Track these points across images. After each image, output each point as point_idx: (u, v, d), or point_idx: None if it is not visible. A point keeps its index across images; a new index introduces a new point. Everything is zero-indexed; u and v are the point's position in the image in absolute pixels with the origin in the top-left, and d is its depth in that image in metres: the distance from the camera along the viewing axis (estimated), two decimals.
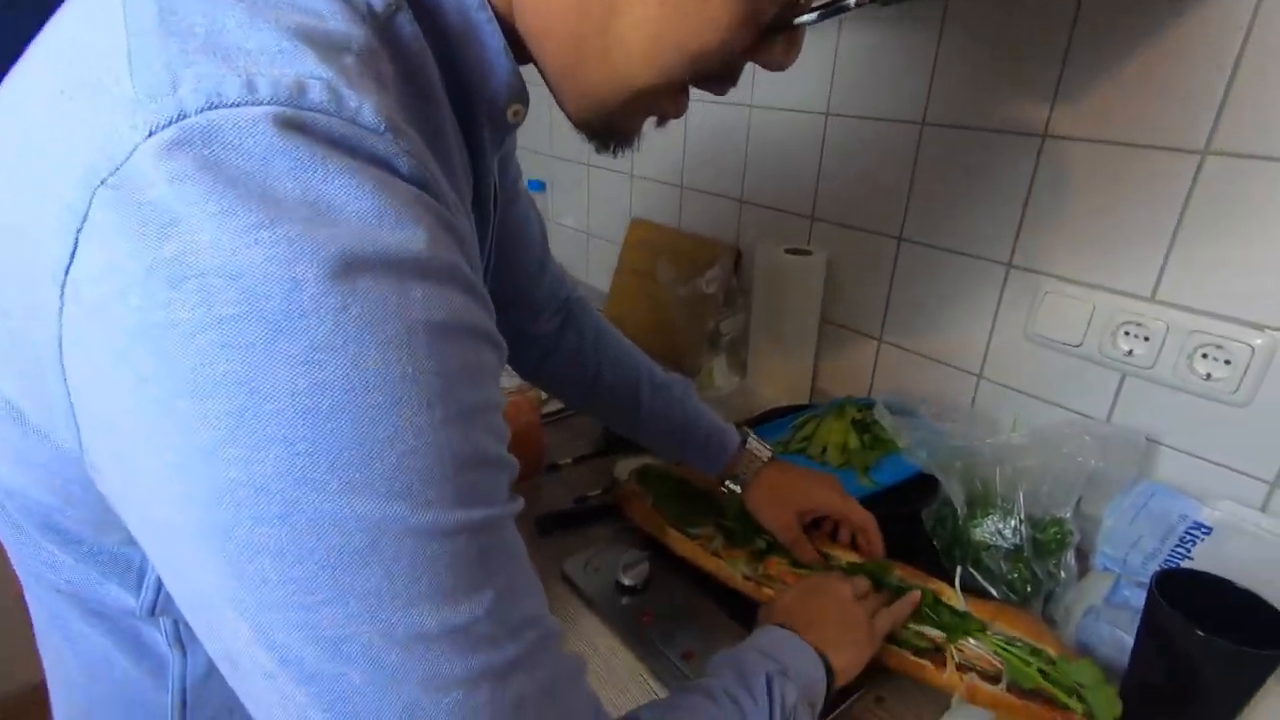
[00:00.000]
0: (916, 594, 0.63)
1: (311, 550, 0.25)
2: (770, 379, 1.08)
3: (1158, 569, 0.65)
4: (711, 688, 0.45)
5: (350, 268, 0.24)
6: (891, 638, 0.61)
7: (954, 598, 0.63)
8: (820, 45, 0.97)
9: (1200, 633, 0.50)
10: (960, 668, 0.58)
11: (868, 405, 0.91)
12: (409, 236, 0.26)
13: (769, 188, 1.12)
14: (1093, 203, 0.76)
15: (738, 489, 0.73)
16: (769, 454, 0.74)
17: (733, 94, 1.06)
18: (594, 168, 1.49)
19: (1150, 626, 0.55)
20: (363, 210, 0.25)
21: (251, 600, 0.26)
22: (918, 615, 0.62)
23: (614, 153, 0.43)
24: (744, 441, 0.74)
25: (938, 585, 0.64)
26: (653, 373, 0.75)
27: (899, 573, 0.66)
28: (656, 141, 1.29)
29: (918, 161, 0.90)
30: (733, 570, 0.69)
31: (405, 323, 0.26)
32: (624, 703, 0.61)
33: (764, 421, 0.96)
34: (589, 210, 1.55)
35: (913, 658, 0.59)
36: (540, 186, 1.65)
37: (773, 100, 1.07)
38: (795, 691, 0.48)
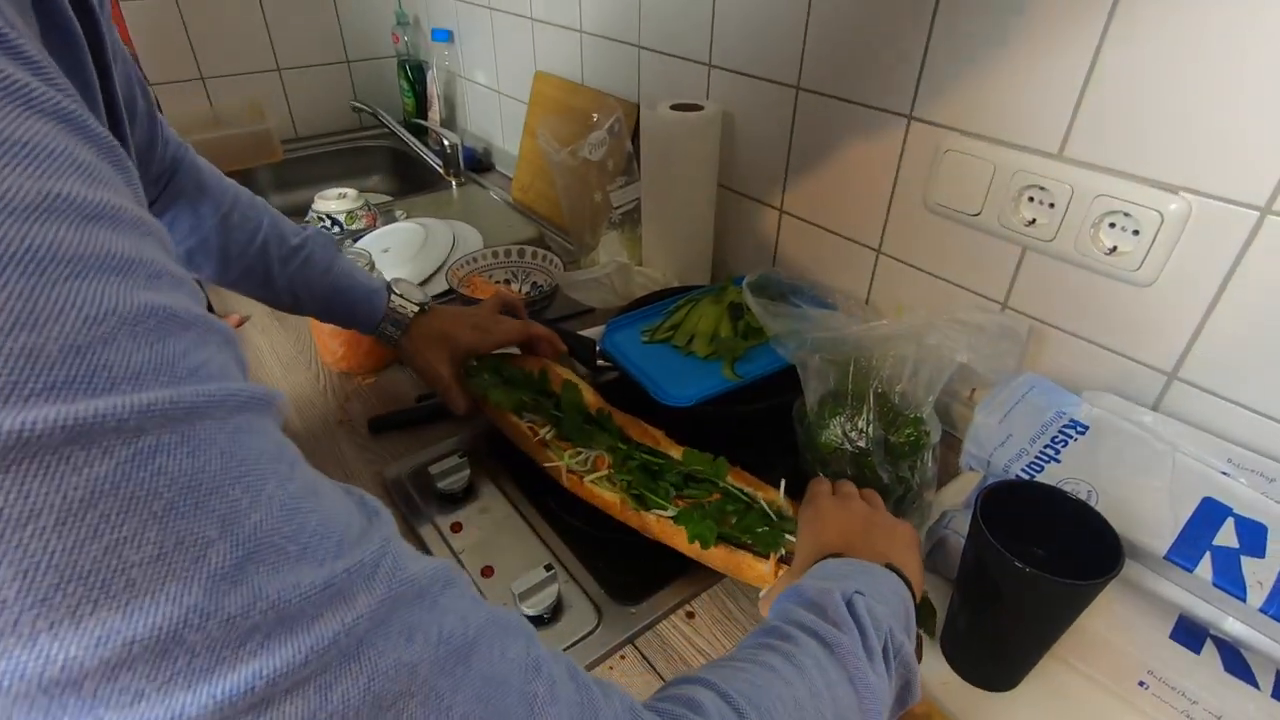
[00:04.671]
0: None
1: None
2: (665, 257, 0.97)
3: (1021, 471, 0.59)
4: (777, 628, 0.37)
5: None
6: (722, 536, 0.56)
7: (779, 503, 0.56)
8: None
9: (1018, 564, 0.43)
10: (781, 561, 0.54)
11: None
12: None
13: (666, 30, 0.95)
14: (1001, 38, 0.61)
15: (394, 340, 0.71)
16: (416, 305, 0.71)
17: None
18: (496, 11, 1.30)
19: (972, 545, 0.48)
20: None
21: None
22: (741, 520, 0.56)
23: None
24: (388, 297, 0.70)
25: (768, 492, 0.58)
26: (282, 236, 0.67)
27: (730, 478, 0.59)
28: None
29: None
30: (559, 460, 0.63)
31: None
32: None
33: (642, 305, 0.86)
34: (497, 63, 1.37)
35: (735, 553, 0.55)
36: (446, 36, 1.45)
37: None
38: (883, 610, 0.39)
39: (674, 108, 0.87)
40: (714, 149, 0.90)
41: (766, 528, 0.55)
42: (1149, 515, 0.53)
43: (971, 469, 0.64)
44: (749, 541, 0.55)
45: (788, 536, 0.54)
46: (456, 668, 0.23)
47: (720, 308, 0.80)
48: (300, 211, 1.28)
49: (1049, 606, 0.46)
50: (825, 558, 0.46)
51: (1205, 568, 0.49)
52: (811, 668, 0.34)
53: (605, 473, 0.62)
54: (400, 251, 1.04)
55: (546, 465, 0.64)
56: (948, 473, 0.67)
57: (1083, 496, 0.55)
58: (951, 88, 0.66)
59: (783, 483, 0.57)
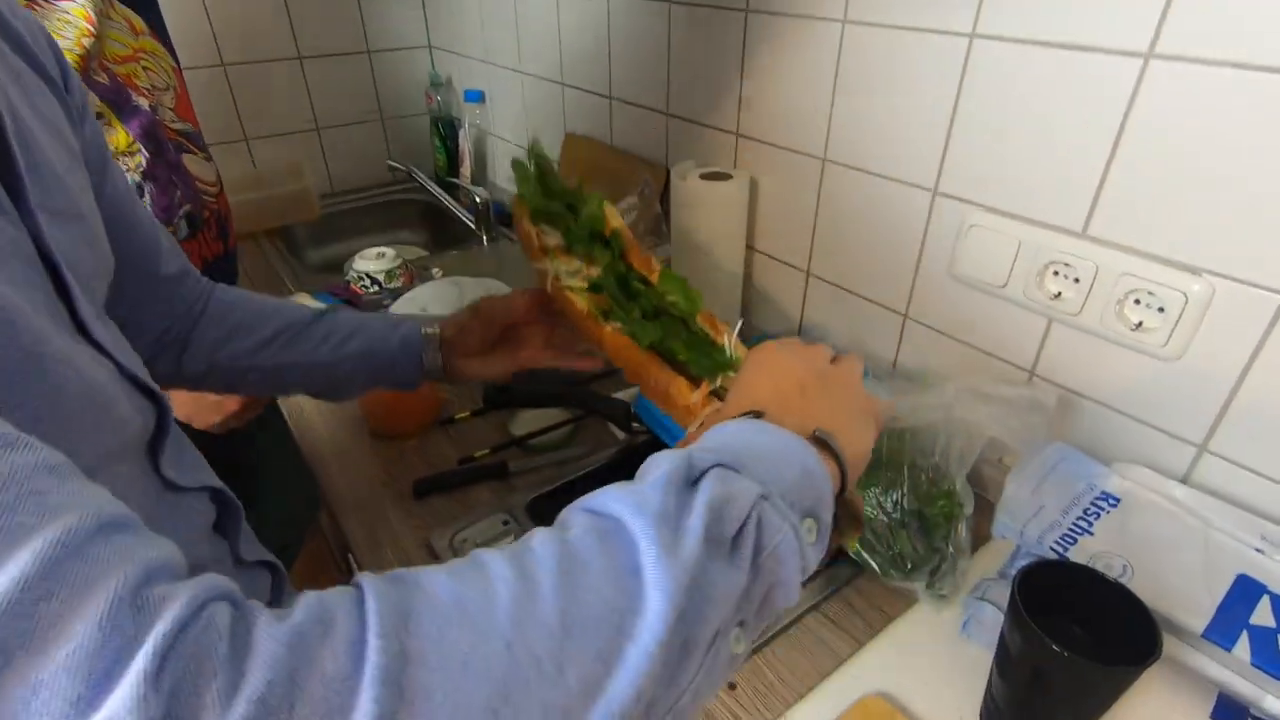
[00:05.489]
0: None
1: None
2: None
3: (1054, 544, 0.60)
4: (565, 517, 0.31)
5: None
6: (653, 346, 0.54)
7: (729, 343, 0.55)
8: None
9: (1056, 648, 0.44)
10: (714, 395, 0.52)
11: None
12: None
13: (693, 99, 0.99)
14: (1024, 119, 0.64)
15: (441, 376, 0.65)
16: (436, 325, 0.66)
17: None
18: (526, 75, 1.35)
19: (1011, 625, 0.49)
20: None
21: None
22: (687, 344, 0.55)
23: None
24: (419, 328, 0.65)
25: (723, 327, 0.56)
26: (305, 313, 0.65)
27: (700, 318, 0.57)
28: (583, 44, 1.16)
29: (840, 67, 0.77)
30: (545, 267, 0.61)
31: None
32: None
33: None
34: (527, 123, 1.42)
35: (668, 370, 0.53)
36: (478, 97, 1.51)
37: None
38: (751, 487, 0.31)
39: (704, 176, 0.91)
40: (742, 216, 0.93)
41: (710, 360, 0.53)
42: (1184, 592, 0.54)
43: (1004, 538, 0.65)
44: (685, 361, 0.53)
45: (730, 374, 0.52)
46: None
47: None
48: (336, 266, 1.33)
49: (1089, 689, 0.47)
50: (748, 414, 0.39)
51: (1243, 647, 0.50)
52: (546, 558, 0.27)
53: (584, 285, 0.60)
54: (437, 309, 1.07)
55: (537, 266, 0.62)
56: (980, 537, 0.68)
57: (1117, 571, 0.56)
58: (975, 165, 0.69)
59: (739, 323, 0.56)
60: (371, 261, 1.16)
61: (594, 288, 0.58)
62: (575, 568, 0.27)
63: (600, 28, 1.11)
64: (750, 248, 0.98)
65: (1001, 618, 0.57)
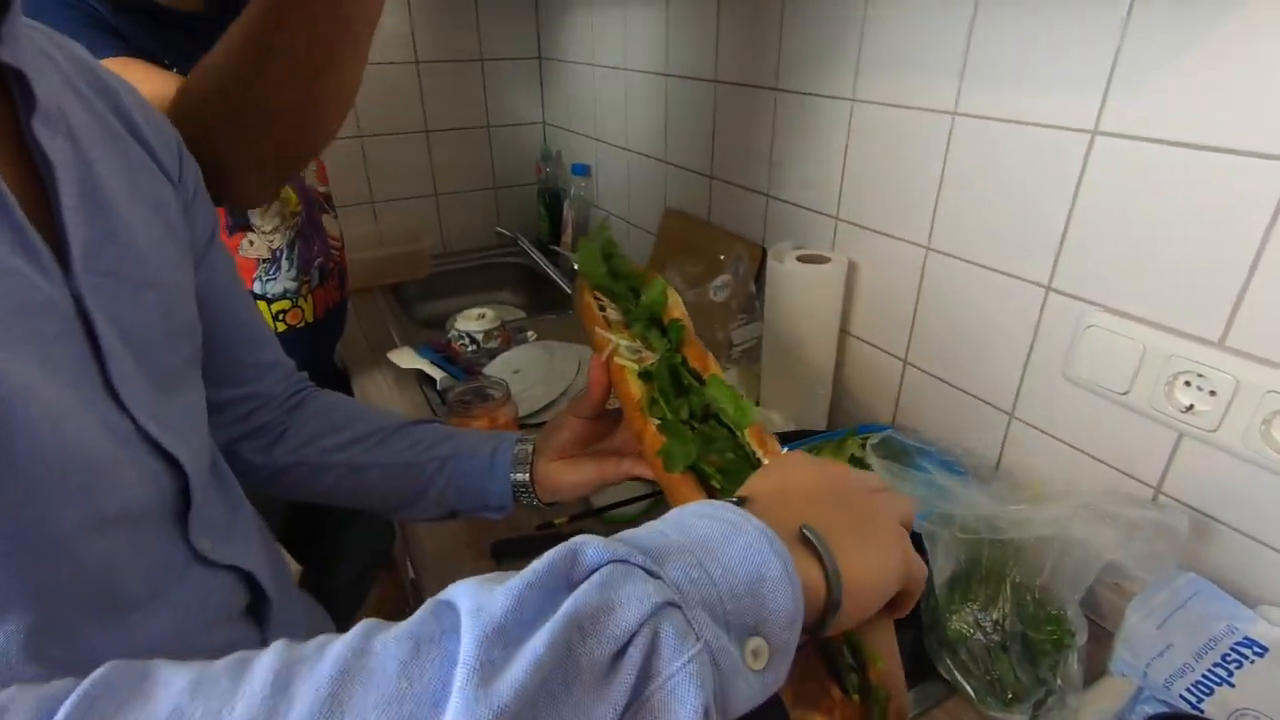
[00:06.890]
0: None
1: None
2: (784, 399, 0.98)
3: (1186, 692, 0.53)
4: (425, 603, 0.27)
5: None
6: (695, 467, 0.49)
7: (770, 448, 0.49)
8: (840, 21, 0.84)
9: None
10: None
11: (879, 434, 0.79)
12: None
13: (794, 182, 1.00)
14: (1152, 221, 0.60)
15: (533, 497, 0.61)
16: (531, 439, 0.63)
17: (757, 75, 0.93)
18: (632, 153, 1.41)
19: None
20: None
21: None
22: (728, 466, 0.50)
23: None
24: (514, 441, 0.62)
25: (772, 447, 0.50)
26: (401, 419, 0.65)
27: (749, 432, 0.50)
28: (688, 128, 1.21)
29: (948, 158, 0.76)
30: (608, 338, 0.58)
31: None
32: None
33: None
34: (629, 197, 1.48)
35: (700, 493, 0.48)
36: (584, 171, 1.59)
37: (798, 84, 0.94)
38: (650, 594, 0.25)
39: (801, 259, 0.91)
40: (838, 299, 0.92)
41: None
42: None
43: (1123, 676, 0.58)
44: (718, 488, 0.48)
45: None
46: None
47: (842, 459, 0.79)
48: (439, 322, 1.40)
49: None
50: (730, 502, 0.33)
51: None
52: (330, 667, 0.23)
53: (639, 368, 0.56)
54: (529, 373, 1.11)
55: (598, 332, 0.59)
56: (1092, 670, 0.61)
57: None
58: (1094, 264, 0.65)
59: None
60: (472, 322, 1.21)
61: (644, 375, 0.56)
62: (352, 687, 0.22)
63: (706, 115, 1.15)
64: (845, 332, 0.96)
65: None
